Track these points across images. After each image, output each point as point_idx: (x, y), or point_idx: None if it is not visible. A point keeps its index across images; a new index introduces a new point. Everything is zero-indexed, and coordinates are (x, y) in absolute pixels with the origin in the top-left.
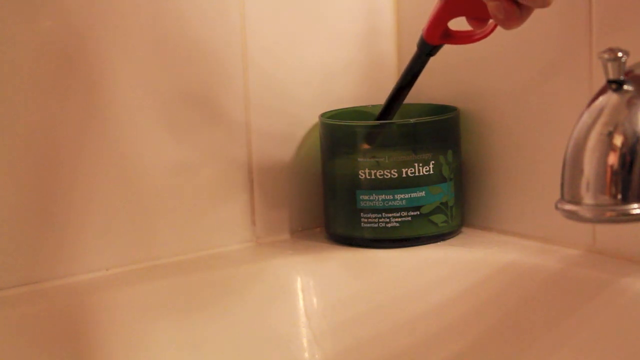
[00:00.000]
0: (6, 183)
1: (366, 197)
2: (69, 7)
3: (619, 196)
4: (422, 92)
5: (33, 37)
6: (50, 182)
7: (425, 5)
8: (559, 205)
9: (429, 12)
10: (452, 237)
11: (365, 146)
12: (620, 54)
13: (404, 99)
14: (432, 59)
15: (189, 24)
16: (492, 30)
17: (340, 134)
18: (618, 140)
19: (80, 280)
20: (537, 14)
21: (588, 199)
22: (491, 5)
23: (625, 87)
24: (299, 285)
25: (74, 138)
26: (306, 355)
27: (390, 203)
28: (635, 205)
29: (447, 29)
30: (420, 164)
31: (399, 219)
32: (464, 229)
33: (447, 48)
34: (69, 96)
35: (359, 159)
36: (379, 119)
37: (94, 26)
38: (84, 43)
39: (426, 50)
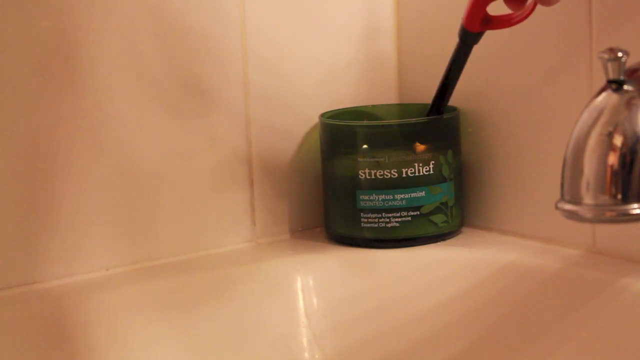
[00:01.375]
0: (4, 183)
1: (366, 197)
2: None
3: (619, 196)
4: (422, 92)
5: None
6: (49, 182)
7: (425, 5)
8: (559, 205)
9: (429, 11)
10: (452, 237)
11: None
12: (620, 54)
13: (451, 94)
14: (431, 59)
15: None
16: (531, 11)
17: (340, 134)
18: (618, 140)
19: (80, 280)
20: (537, 14)
21: (588, 199)
22: None
23: (625, 87)
24: (298, 285)
25: (71, 137)
26: (306, 355)
27: (390, 203)
28: (635, 205)
29: (487, 14)
30: (420, 164)
31: (399, 219)
32: (464, 229)
33: (446, 47)
34: (65, 93)
35: (359, 159)
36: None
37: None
38: (77, 32)
39: (468, 39)
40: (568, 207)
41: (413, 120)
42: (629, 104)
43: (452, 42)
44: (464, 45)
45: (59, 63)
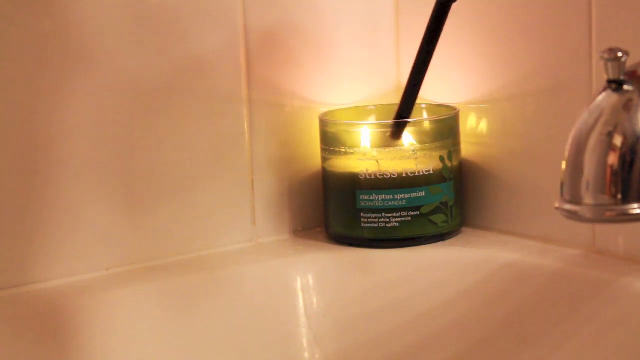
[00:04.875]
0: (3, 182)
1: (366, 197)
2: None
3: (619, 196)
4: (422, 92)
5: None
6: (49, 181)
7: (425, 5)
8: (559, 205)
9: (429, 11)
10: (452, 237)
11: (394, 141)
12: (620, 54)
13: (429, 63)
14: (432, 59)
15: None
16: None
17: (341, 134)
18: (618, 140)
19: (80, 280)
20: (537, 14)
21: (588, 199)
22: None
23: (625, 87)
24: (299, 285)
25: (70, 135)
26: (306, 355)
27: (390, 203)
28: (635, 205)
29: None
30: (420, 164)
31: (399, 219)
32: (464, 229)
33: (446, 48)
34: (68, 93)
35: (359, 159)
36: (407, 90)
37: None
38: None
39: None
40: (568, 207)
41: (413, 120)
42: (628, 104)
43: (453, 41)
44: (442, 6)
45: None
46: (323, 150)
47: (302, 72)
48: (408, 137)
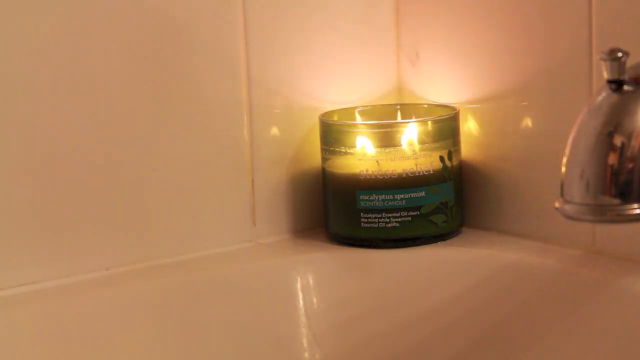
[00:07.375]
0: (4, 183)
1: (366, 197)
2: None
3: (619, 196)
4: (422, 92)
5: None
6: (49, 181)
7: (426, 5)
8: (559, 206)
9: (430, 11)
10: (452, 237)
11: None
12: (620, 54)
13: None
14: (432, 59)
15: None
16: None
17: (341, 134)
18: (618, 140)
19: (80, 280)
20: (537, 15)
21: (588, 199)
22: None
23: (625, 87)
24: (298, 285)
25: (71, 136)
26: (306, 355)
27: (390, 203)
28: (635, 205)
29: None
30: (420, 164)
31: (399, 219)
32: (464, 229)
33: (447, 48)
34: (67, 94)
35: (359, 159)
36: None
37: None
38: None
39: None
40: (568, 207)
41: (413, 120)
42: (628, 104)
43: (453, 41)
44: None
45: (65, 62)
46: (323, 150)
47: (302, 73)
48: (408, 137)
